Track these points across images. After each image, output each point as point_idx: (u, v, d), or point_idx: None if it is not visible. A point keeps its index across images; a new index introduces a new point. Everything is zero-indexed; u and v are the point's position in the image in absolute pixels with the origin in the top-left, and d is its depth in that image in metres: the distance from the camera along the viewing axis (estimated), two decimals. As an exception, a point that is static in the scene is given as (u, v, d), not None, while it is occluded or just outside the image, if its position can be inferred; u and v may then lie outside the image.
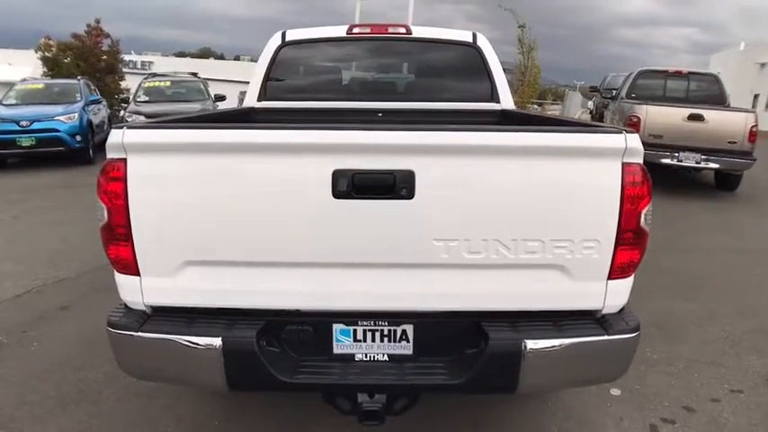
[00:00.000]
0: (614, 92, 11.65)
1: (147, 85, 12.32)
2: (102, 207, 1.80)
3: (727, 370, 3.15)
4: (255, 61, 3.80)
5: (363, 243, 1.80)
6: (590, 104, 18.00)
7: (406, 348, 1.94)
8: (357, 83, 3.85)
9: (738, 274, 4.98)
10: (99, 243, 1.87)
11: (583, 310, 1.92)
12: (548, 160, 1.77)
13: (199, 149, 1.76)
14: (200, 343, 1.79)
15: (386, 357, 1.94)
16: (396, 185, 1.72)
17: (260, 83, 3.60)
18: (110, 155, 1.77)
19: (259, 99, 3.60)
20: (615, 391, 2.84)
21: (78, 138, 9.99)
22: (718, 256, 5.56)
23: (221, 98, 12.50)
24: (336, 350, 1.93)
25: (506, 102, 3.70)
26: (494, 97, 3.70)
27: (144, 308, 1.90)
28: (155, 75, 13.31)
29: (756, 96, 26.84)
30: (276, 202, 1.77)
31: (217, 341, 1.78)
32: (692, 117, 7.71)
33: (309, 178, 1.74)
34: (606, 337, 1.84)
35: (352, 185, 1.71)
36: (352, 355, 1.94)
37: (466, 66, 3.71)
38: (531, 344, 1.79)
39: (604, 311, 1.92)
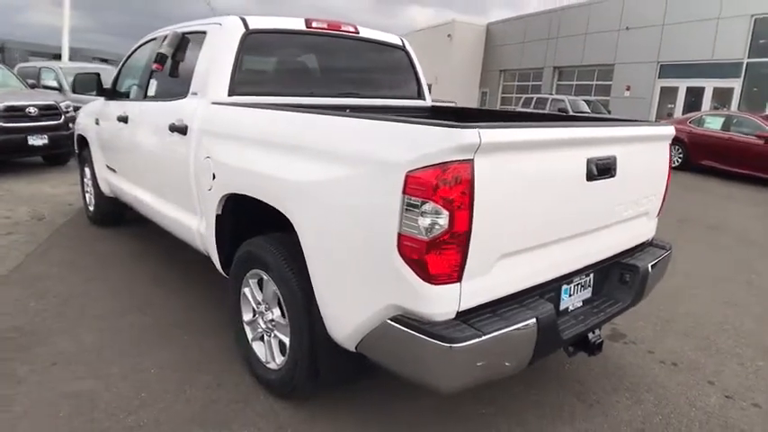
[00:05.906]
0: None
1: None
2: (443, 214, 1.70)
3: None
4: None
5: (593, 214, 2.32)
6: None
7: (588, 292, 2.53)
8: (319, 79, 3.70)
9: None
10: None
11: (645, 242, 2.94)
12: (654, 143, 2.69)
13: (528, 147, 1.90)
14: (523, 326, 1.94)
15: (581, 303, 2.49)
16: (611, 167, 2.30)
17: (229, 75, 3.10)
18: (449, 156, 1.69)
19: (230, 94, 3.10)
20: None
21: None
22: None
23: None
24: (561, 307, 2.36)
25: (428, 99, 4.33)
26: (420, 95, 4.28)
27: (453, 316, 1.86)
28: None
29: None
30: (557, 187, 2.09)
31: (532, 321, 1.97)
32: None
33: (576, 167, 2.13)
34: (668, 252, 2.92)
35: (596, 170, 2.20)
36: (567, 309, 2.40)
37: (399, 66, 4.13)
38: (650, 265, 2.70)
39: (651, 239, 3.00)
